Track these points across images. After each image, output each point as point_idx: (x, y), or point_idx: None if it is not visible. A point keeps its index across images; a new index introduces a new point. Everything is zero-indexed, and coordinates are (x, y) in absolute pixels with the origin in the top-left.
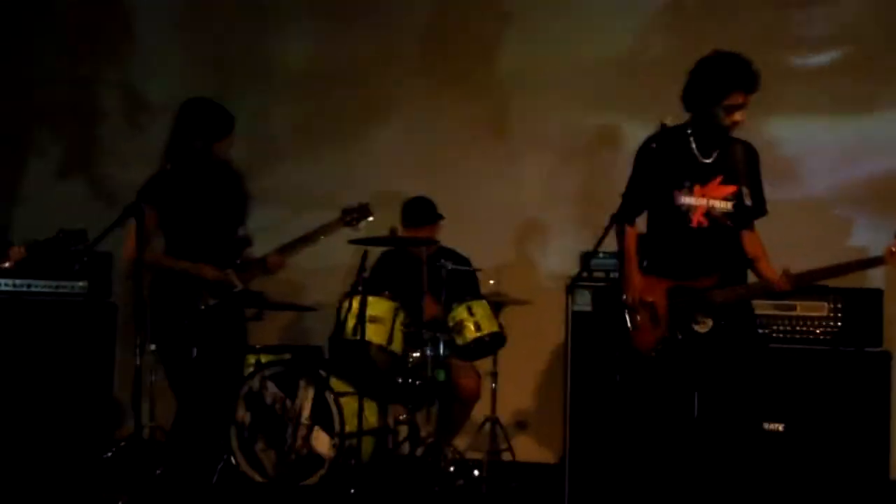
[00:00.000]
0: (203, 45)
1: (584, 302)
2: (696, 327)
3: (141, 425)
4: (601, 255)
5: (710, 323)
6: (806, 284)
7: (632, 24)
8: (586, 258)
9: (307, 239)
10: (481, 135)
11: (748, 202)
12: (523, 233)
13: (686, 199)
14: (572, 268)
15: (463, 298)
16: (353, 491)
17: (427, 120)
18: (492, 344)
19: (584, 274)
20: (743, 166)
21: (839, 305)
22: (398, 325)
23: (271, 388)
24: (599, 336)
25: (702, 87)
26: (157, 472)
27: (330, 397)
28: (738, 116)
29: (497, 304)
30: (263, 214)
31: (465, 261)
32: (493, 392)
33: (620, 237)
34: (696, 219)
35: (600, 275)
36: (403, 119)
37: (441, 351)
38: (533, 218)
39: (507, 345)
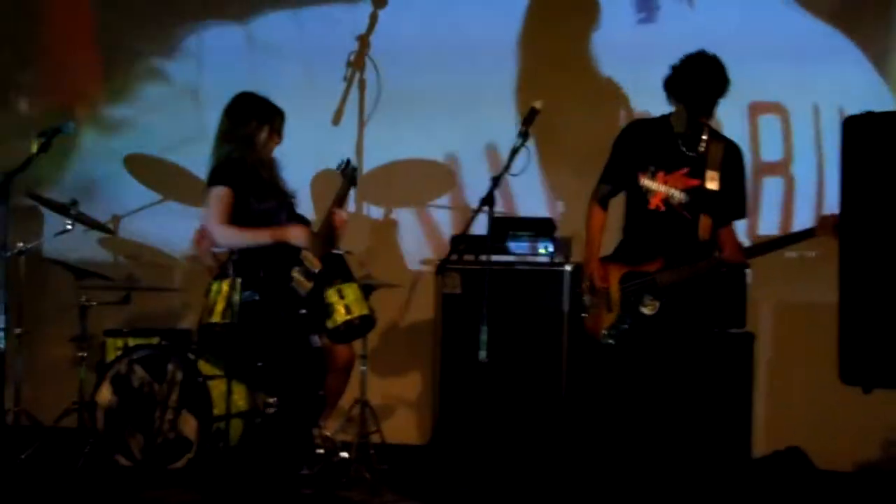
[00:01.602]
0: None
1: (454, 284)
2: (644, 310)
3: (4, 410)
4: (471, 237)
5: (656, 305)
6: (752, 257)
7: None
8: (456, 241)
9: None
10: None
11: (716, 199)
12: (394, 215)
13: (647, 182)
14: (443, 251)
15: (333, 281)
16: (220, 474)
17: None
18: (362, 327)
19: (454, 257)
20: (720, 165)
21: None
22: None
23: (139, 371)
24: (469, 318)
25: (682, 85)
26: (22, 456)
27: (198, 381)
28: (704, 119)
29: (367, 287)
30: None
31: None
32: (364, 374)
33: (588, 218)
34: (655, 202)
35: (470, 258)
36: None
37: (313, 339)
38: (404, 200)
39: (378, 327)
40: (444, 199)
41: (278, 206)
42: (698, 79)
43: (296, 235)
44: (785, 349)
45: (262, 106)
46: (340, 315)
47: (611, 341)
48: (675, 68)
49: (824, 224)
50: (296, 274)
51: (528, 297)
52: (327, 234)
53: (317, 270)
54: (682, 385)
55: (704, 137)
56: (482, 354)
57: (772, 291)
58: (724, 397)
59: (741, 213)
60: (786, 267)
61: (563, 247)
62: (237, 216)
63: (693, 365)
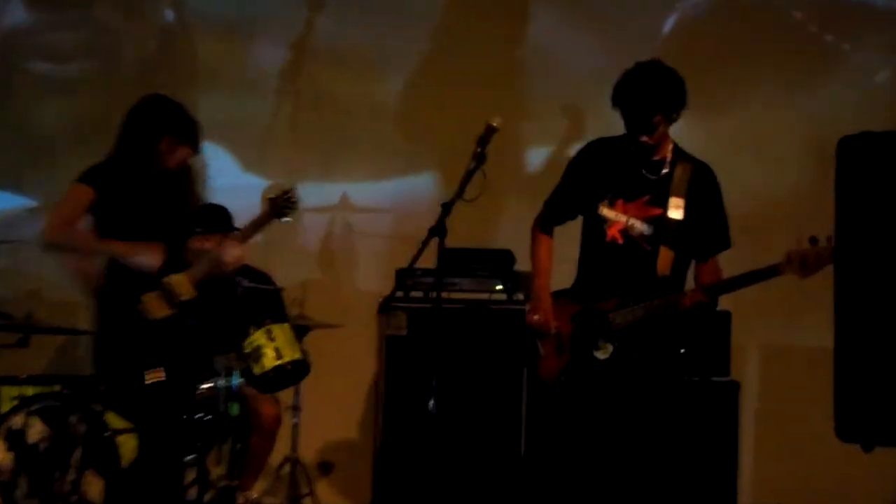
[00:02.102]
0: None
1: (399, 325)
2: (597, 353)
3: None
4: (418, 272)
5: (609, 348)
6: (714, 297)
7: None
8: (402, 275)
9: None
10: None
11: (680, 230)
12: (332, 246)
13: (606, 212)
14: (386, 287)
15: (262, 321)
16: None
17: None
18: (294, 373)
19: (400, 293)
20: (686, 191)
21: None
22: None
23: (37, 425)
24: (415, 363)
25: (615, 96)
26: None
27: (105, 435)
28: (645, 137)
29: (301, 328)
30: None
31: (264, 277)
32: (295, 428)
33: (533, 247)
34: (612, 233)
35: (418, 294)
36: None
37: (235, 381)
38: (343, 229)
39: (312, 374)
40: (388, 229)
41: (157, 224)
42: (626, 88)
43: (138, 256)
44: (774, 399)
45: (167, 114)
46: (269, 360)
47: (558, 384)
48: (617, 84)
49: (790, 260)
50: (148, 297)
51: (484, 339)
52: (210, 264)
53: (184, 298)
54: (659, 440)
55: (667, 159)
56: (431, 404)
57: (759, 334)
58: (707, 451)
59: (722, 244)
60: (775, 306)
61: (522, 283)
62: (101, 227)
63: (669, 416)
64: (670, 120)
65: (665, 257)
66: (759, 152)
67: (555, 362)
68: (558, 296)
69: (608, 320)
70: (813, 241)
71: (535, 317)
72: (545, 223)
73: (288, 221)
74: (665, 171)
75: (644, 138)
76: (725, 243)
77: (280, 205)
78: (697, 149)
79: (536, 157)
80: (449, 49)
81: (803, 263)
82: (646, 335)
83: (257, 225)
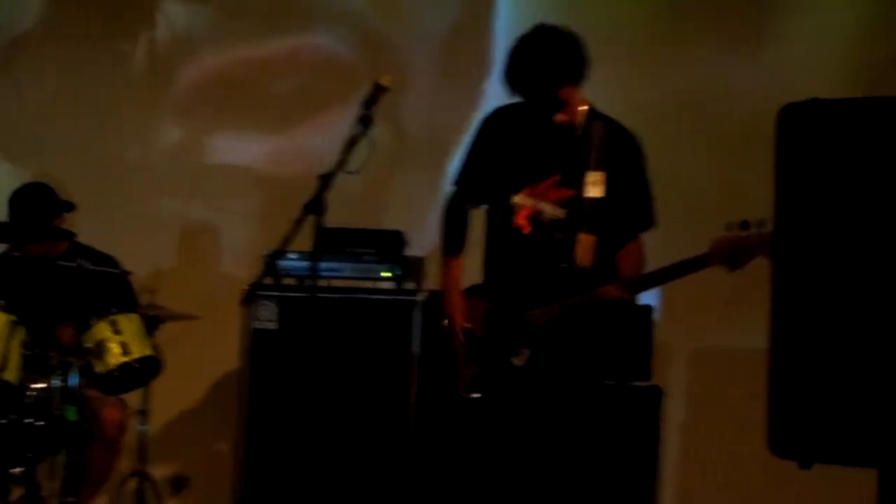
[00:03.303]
0: None
1: (267, 317)
2: (514, 360)
3: None
4: (291, 255)
5: (527, 354)
6: (639, 291)
7: None
8: (271, 260)
9: None
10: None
11: (600, 209)
12: (190, 226)
13: (511, 195)
14: (253, 272)
15: (106, 311)
16: None
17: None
18: (143, 372)
19: (269, 280)
20: (604, 162)
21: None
22: (15, 346)
23: None
24: (286, 361)
25: (532, 73)
26: None
27: None
28: (561, 116)
29: (152, 320)
30: None
31: (108, 261)
32: (142, 437)
33: (442, 235)
34: (518, 221)
35: (290, 281)
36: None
37: (73, 381)
38: (203, 207)
39: (164, 373)
40: (257, 204)
41: None
42: (518, 67)
43: None
44: (701, 406)
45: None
46: (114, 356)
47: (476, 395)
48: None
49: (717, 249)
50: None
51: (367, 333)
52: None
53: None
54: (568, 452)
55: (579, 125)
56: (304, 408)
57: (685, 334)
58: (624, 465)
59: (644, 222)
60: (704, 302)
61: (414, 269)
62: None
63: (581, 427)
64: (578, 84)
65: (585, 245)
66: (694, 123)
67: (469, 371)
68: (470, 292)
69: (525, 321)
70: (744, 225)
71: (445, 322)
72: (454, 206)
73: None
74: (577, 140)
75: (560, 118)
76: (647, 221)
77: None
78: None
79: (435, 121)
80: None
81: (731, 254)
82: (565, 336)
83: None
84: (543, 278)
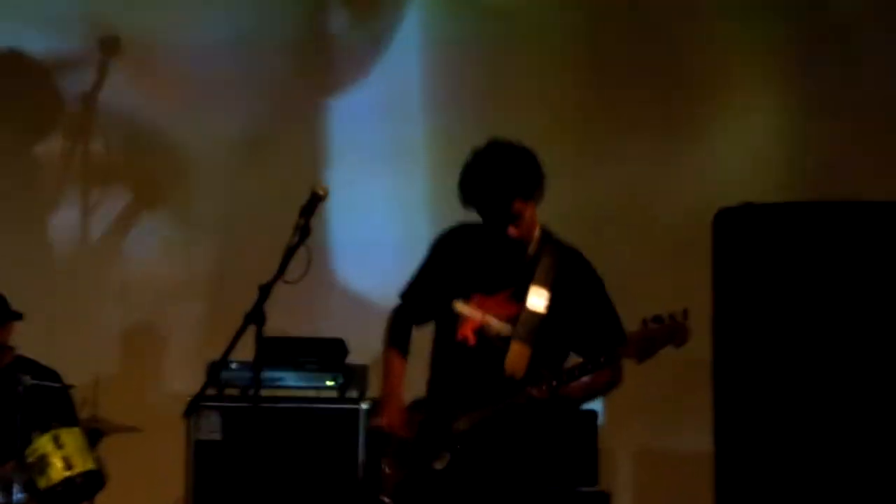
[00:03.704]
0: None
1: (211, 428)
2: (436, 464)
3: None
4: (233, 365)
5: (447, 457)
6: (559, 388)
7: None
8: (213, 369)
9: None
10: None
11: (541, 324)
12: (131, 335)
13: (461, 308)
14: (196, 383)
15: (48, 425)
16: None
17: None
18: (86, 487)
19: (212, 391)
20: (552, 282)
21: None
22: None
23: None
24: (232, 472)
25: (486, 185)
26: None
27: None
28: (513, 230)
29: (95, 433)
30: None
31: (51, 374)
32: None
33: (385, 345)
34: (463, 332)
35: (233, 391)
36: None
37: (16, 497)
38: (145, 314)
39: (108, 487)
40: (197, 314)
41: None
42: (473, 183)
43: None
44: None
45: None
46: (57, 471)
47: (389, 501)
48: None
49: (629, 342)
50: None
51: (312, 443)
52: None
53: None
54: None
55: (533, 244)
56: None
57: (631, 437)
58: None
59: (619, 339)
60: (648, 406)
61: (357, 378)
62: None
63: None
64: (532, 201)
65: (518, 355)
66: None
67: (395, 476)
68: (411, 406)
69: (449, 427)
70: (657, 320)
71: (380, 422)
72: (400, 319)
73: None
74: (529, 260)
75: (512, 231)
76: (620, 338)
77: None
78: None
79: (374, 227)
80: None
81: (640, 347)
82: (487, 440)
83: None
84: (477, 388)
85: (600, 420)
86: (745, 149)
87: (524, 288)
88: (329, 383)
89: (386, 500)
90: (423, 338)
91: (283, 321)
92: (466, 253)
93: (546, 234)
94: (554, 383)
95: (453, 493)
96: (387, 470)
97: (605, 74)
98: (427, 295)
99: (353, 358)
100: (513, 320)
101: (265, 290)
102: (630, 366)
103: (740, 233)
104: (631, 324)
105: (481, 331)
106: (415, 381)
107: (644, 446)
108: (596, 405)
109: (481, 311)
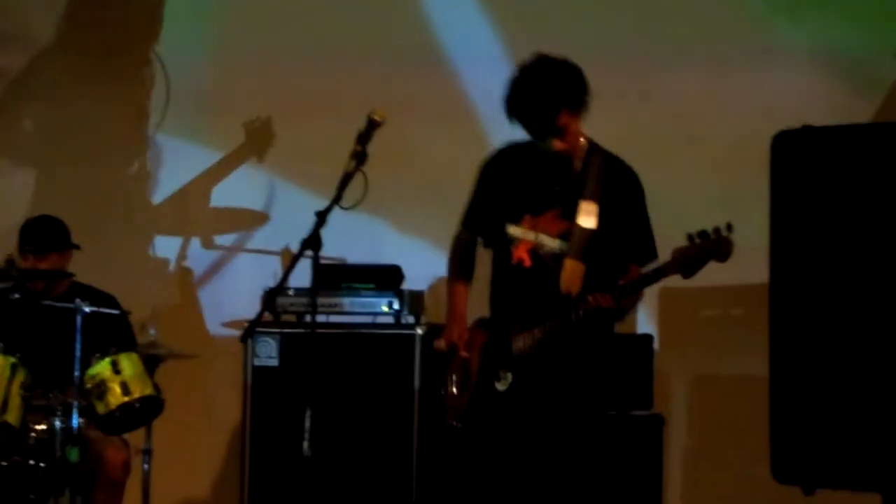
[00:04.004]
0: None
1: (268, 354)
2: (497, 385)
3: None
4: (290, 291)
5: (509, 378)
6: (625, 297)
7: None
8: (270, 296)
9: None
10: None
11: (593, 239)
12: (186, 261)
13: (512, 230)
14: (252, 309)
15: (106, 350)
16: None
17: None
18: (144, 411)
19: (268, 317)
20: (599, 194)
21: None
22: (15, 389)
23: None
24: (288, 398)
25: (506, 99)
26: None
27: None
28: (559, 144)
29: (153, 359)
30: None
31: (109, 300)
32: (146, 476)
33: (450, 265)
34: (518, 255)
35: (289, 318)
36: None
37: (75, 421)
38: (201, 243)
39: (166, 413)
40: (254, 240)
41: None
42: (518, 95)
43: None
44: (703, 435)
45: None
46: (115, 396)
47: (458, 425)
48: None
49: (676, 257)
50: None
51: (368, 368)
52: None
53: None
54: (570, 482)
55: (578, 158)
56: (305, 446)
57: (686, 362)
58: (627, 495)
59: (647, 255)
60: (703, 330)
61: (413, 303)
62: None
63: (580, 456)
64: (578, 114)
65: (572, 272)
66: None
67: (459, 398)
68: (474, 326)
69: (509, 347)
70: (703, 235)
71: (442, 343)
72: (460, 245)
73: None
74: (576, 174)
75: (558, 145)
76: (651, 253)
77: None
78: (611, 145)
79: (430, 156)
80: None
81: (686, 262)
82: (545, 361)
83: None
84: (536, 307)
85: (655, 344)
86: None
87: (573, 204)
88: (385, 309)
89: (454, 423)
90: (484, 260)
91: (339, 248)
92: (513, 173)
93: (592, 146)
94: (617, 293)
95: (515, 415)
96: (453, 391)
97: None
98: (483, 219)
99: (409, 284)
100: (564, 236)
101: (322, 216)
102: (687, 291)
103: (799, 156)
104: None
105: (535, 251)
106: (477, 302)
107: (699, 371)
108: (651, 330)
109: (534, 232)
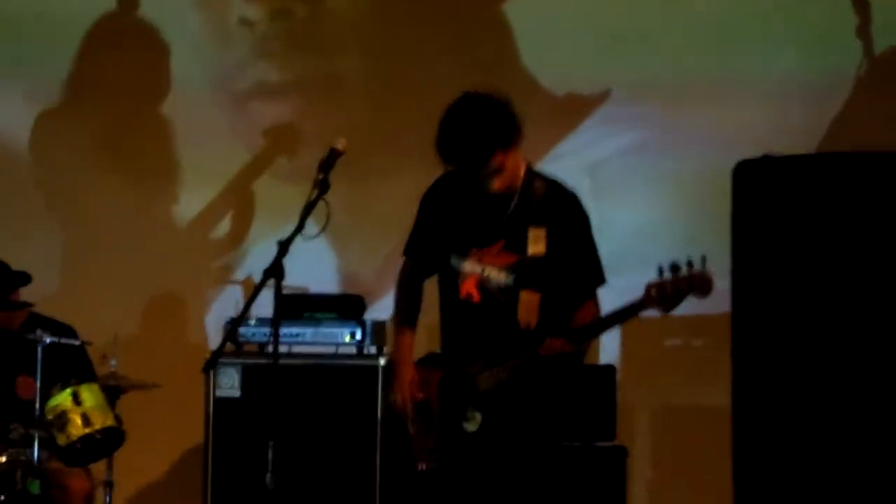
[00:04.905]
0: None
1: (230, 385)
2: (466, 425)
3: None
4: (252, 321)
5: (478, 418)
6: (581, 342)
7: None
8: (232, 326)
9: None
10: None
11: (543, 267)
12: (151, 292)
13: (459, 264)
14: (214, 340)
15: (67, 382)
16: None
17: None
18: (106, 443)
19: (230, 347)
20: (545, 218)
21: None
22: None
23: None
24: (249, 429)
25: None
26: None
27: None
28: (497, 184)
29: (114, 390)
30: None
31: (68, 331)
32: None
33: (395, 306)
34: (466, 289)
35: (252, 348)
36: None
37: (36, 453)
38: (163, 272)
39: (127, 444)
40: (217, 270)
41: None
42: (449, 140)
43: None
44: (668, 467)
45: None
46: (77, 427)
47: (425, 467)
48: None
49: (650, 292)
50: None
51: (330, 399)
52: None
53: None
54: None
55: (518, 187)
56: (268, 479)
57: (649, 393)
58: None
59: (595, 279)
60: (667, 361)
61: (375, 333)
62: None
63: (545, 490)
64: (512, 148)
65: (527, 303)
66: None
67: (425, 439)
68: (426, 361)
69: (474, 385)
70: (673, 268)
71: (396, 397)
72: (405, 279)
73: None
74: (517, 202)
75: (496, 185)
76: (598, 278)
77: None
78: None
79: (391, 184)
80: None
81: (664, 297)
82: (515, 398)
83: None
84: (492, 342)
85: (618, 375)
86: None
87: (518, 235)
88: (347, 339)
89: (423, 466)
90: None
91: (301, 277)
92: (456, 206)
93: (531, 172)
94: (577, 337)
95: (488, 455)
96: (416, 432)
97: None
98: (426, 250)
99: (372, 314)
100: (513, 269)
101: (284, 246)
102: (650, 322)
103: (760, 185)
104: (649, 271)
105: (482, 285)
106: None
107: (662, 401)
108: (614, 360)
109: (481, 265)
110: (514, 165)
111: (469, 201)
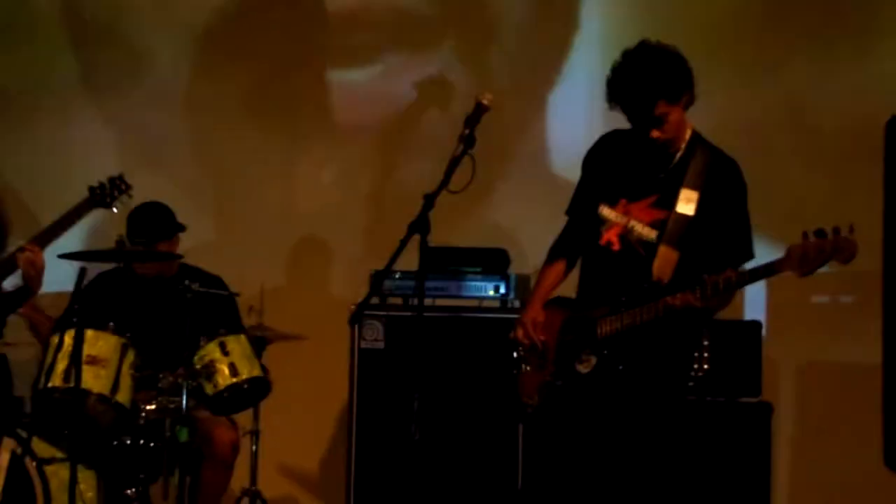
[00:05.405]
0: None
1: (374, 336)
2: (579, 367)
3: None
4: (397, 275)
5: (593, 361)
6: (711, 297)
7: None
8: (377, 279)
9: (60, 226)
10: (242, 118)
11: (690, 227)
12: (296, 245)
13: (605, 212)
14: (359, 292)
15: (214, 332)
16: None
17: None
18: (252, 392)
19: (375, 300)
20: (701, 184)
21: (706, 344)
22: (126, 369)
23: None
24: (393, 381)
25: (609, 86)
26: None
27: (31, 465)
28: (656, 133)
29: (260, 340)
30: None
31: (216, 282)
32: (254, 456)
33: (548, 255)
34: (608, 237)
35: (396, 301)
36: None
37: (184, 402)
38: (309, 226)
39: (273, 394)
40: (362, 224)
41: None
42: (618, 82)
43: None
44: (813, 423)
45: None
46: (224, 377)
47: (532, 403)
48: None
49: (790, 256)
50: None
51: (474, 352)
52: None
53: None
54: (670, 468)
55: (681, 149)
56: (413, 429)
57: (796, 349)
58: (734, 483)
59: (744, 254)
60: (814, 317)
61: (519, 287)
62: None
63: (681, 441)
64: (679, 104)
65: (665, 259)
66: (795, 133)
67: (535, 379)
68: (554, 303)
69: (594, 329)
70: (819, 234)
71: (518, 332)
72: (562, 234)
73: (114, 210)
74: (677, 163)
75: (655, 133)
76: (747, 253)
77: (100, 194)
78: (717, 131)
79: (538, 140)
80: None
81: (804, 260)
82: (633, 346)
83: (65, 221)
84: (622, 290)
85: (764, 331)
86: None
87: (671, 193)
88: (491, 293)
89: (529, 401)
90: None
91: (447, 231)
92: (614, 158)
93: (696, 137)
94: (708, 291)
95: (598, 398)
96: (527, 369)
97: None
98: (585, 206)
99: (516, 268)
100: (658, 225)
101: (430, 199)
102: (797, 278)
103: None
104: (796, 237)
105: (625, 236)
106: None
107: (808, 358)
108: (760, 316)
109: (626, 217)
110: (678, 122)
111: (628, 155)
